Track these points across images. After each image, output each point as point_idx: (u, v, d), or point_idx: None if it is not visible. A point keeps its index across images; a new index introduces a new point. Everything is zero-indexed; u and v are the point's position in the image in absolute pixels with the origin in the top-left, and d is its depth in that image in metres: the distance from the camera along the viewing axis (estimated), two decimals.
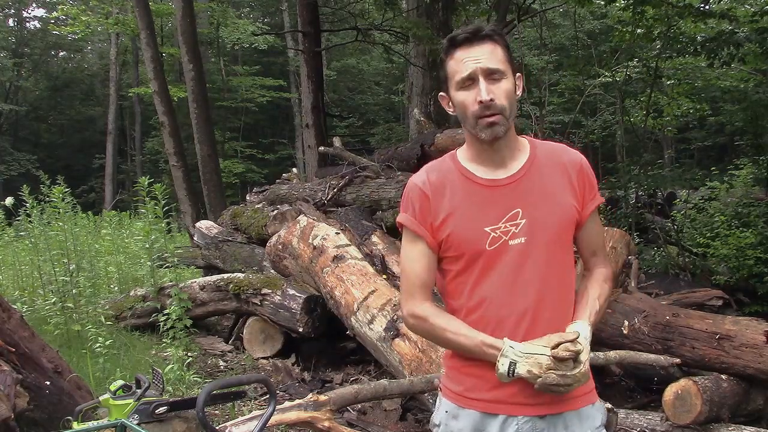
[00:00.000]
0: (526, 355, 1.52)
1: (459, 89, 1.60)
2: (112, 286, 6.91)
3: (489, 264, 1.61)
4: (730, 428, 3.43)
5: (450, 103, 1.66)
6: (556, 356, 1.50)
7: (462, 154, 1.71)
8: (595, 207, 1.72)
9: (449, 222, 1.63)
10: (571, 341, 1.52)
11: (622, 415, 3.50)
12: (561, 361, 1.50)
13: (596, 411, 1.66)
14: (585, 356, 1.53)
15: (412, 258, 1.68)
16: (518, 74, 1.66)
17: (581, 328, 1.59)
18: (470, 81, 1.57)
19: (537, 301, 1.60)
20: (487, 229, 1.60)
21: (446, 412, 1.68)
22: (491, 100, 1.55)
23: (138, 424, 2.13)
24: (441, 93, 1.68)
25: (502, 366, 1.53)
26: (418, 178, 1.70)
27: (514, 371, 1.52)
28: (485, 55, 1.57)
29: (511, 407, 1.59)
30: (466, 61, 1.57)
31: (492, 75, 1.57)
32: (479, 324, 1.61)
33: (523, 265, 1.60)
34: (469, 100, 1.58)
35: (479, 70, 1.56)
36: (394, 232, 5.63)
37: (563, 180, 1.66)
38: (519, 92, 1.65)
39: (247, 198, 8.56)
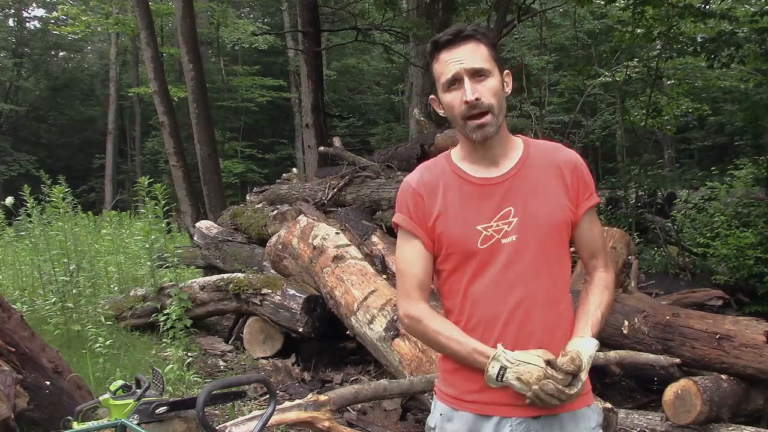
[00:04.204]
0: (518, 362, 1.51)
1: (446, 91, 1.61)
2: (112, 286, 6.90)
3: (483, 263, 1.60)
4: (730, 428, 3.43)
5: (440, 105, 1.67)
6: (559, 367, 1.50)
7: (455, 153, 1.71)
8: (591, 207, 1.69)
9: (441, 221, 1.63)
10: (569, 359, 1.52)
11: (622, 415, 3.50)
12: (562, 373, 1.50)
13: (592, 412, 1.66)
14: (584, 375, 1.54)
15: (409, 258, 1.68)
16: (506, 71, 1.66)
17: (586, 345, 1.58)
18: (456, 82, 1.59)
19: (529, 298, 1.59)
20: (479, 227, 1.60)
21: (441, 414, 1.68)
22: (477, 99, 1.56)
23: (138, 424, 2.13)
24: (432, 96, 1.70)
25: (492, 369, 1.52)
26: (411, 179, 1.71)
27: (503, 376, 1.52)
28: (468, 56, 1.58)
29: (505, 408, 1.58)
30: (449, 62, 1.59)
31: (476, 74, 1.58)
32: (473, 323, 1.61)
33: (515, 262, 1.59)
34: (455, 101, 1.59)
35: (463, 71, 1.57)
36: (394, 232, 5.62)
37: (556, 179, 1.65)
38: (508, 89, 1.65)
39: (247, 198, 8.56)
